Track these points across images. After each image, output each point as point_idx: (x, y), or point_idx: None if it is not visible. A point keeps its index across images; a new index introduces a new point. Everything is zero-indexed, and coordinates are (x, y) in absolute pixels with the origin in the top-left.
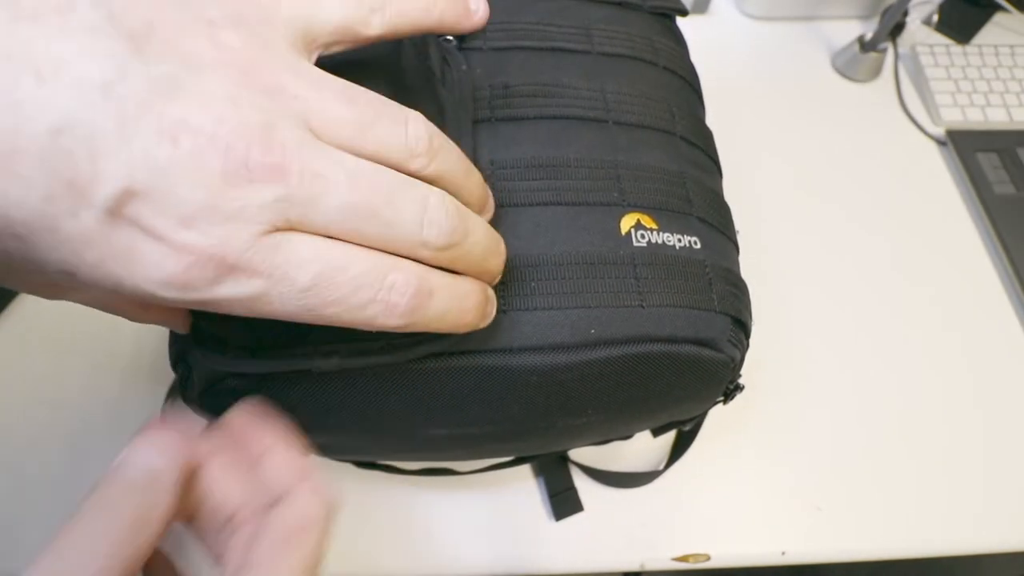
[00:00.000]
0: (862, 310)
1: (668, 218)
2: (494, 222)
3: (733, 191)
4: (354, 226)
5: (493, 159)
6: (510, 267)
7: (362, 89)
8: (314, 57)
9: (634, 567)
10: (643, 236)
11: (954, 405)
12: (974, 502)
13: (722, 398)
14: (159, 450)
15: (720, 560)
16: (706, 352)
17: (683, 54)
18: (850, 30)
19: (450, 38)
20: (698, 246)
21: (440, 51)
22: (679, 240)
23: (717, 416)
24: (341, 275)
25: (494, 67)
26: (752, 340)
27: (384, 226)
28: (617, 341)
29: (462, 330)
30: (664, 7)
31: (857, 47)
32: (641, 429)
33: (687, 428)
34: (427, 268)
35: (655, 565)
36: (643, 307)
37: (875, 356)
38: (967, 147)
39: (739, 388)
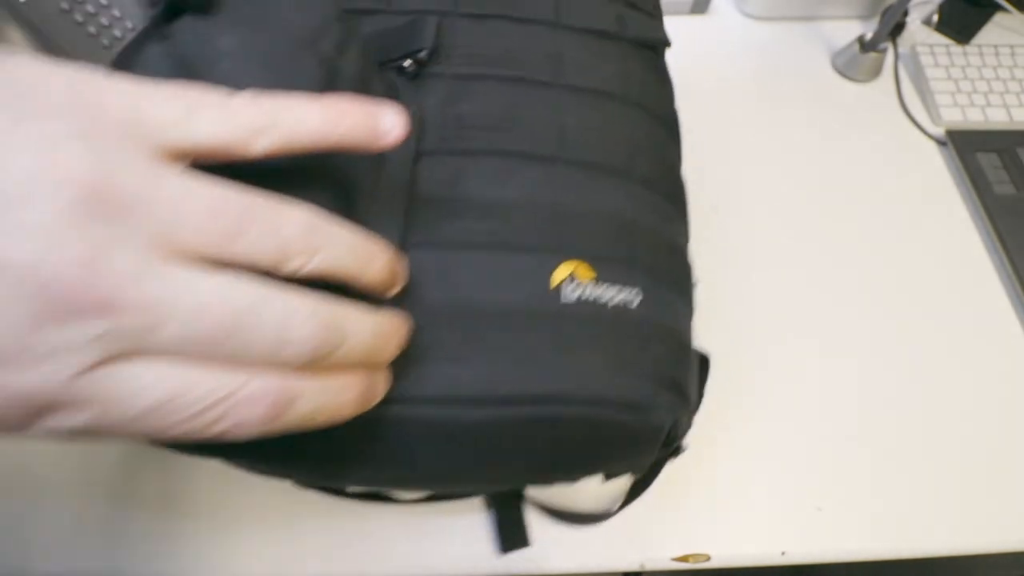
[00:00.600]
0: (861, 310)
1: (608, 269)
2: (425, 264)
3: (733, 191)
4: (200, 351)
5: (434, 196)
6: (427, 312)
7: (234, 192)
8: (183, 164)
9: (634, 567)
10: (576, 288)
11: (954, 405)
12: (974, 502)
13: (659, 463)
14: None
15: (720, 560)
16: (630, 417)
17: (661, 91)
18: (850, 30)
19: (407, 64)
20: (637, 303)
21: (387, 86)
22: (616, 294)
23: (717, 416)
24: (183, 398)
25: (452, 95)
26: (752, 339)
27: (235, 348)
28: (528, 400)
29: (342, 420)
30: (647, 39)
31: (857, 47)
32: (574, 480)
33: (639, 477)
34: (290, 374)
35: (655, 565)
36: (563, 366)
37: (875, 356)
38: (967, 147)
39: (678, 451)
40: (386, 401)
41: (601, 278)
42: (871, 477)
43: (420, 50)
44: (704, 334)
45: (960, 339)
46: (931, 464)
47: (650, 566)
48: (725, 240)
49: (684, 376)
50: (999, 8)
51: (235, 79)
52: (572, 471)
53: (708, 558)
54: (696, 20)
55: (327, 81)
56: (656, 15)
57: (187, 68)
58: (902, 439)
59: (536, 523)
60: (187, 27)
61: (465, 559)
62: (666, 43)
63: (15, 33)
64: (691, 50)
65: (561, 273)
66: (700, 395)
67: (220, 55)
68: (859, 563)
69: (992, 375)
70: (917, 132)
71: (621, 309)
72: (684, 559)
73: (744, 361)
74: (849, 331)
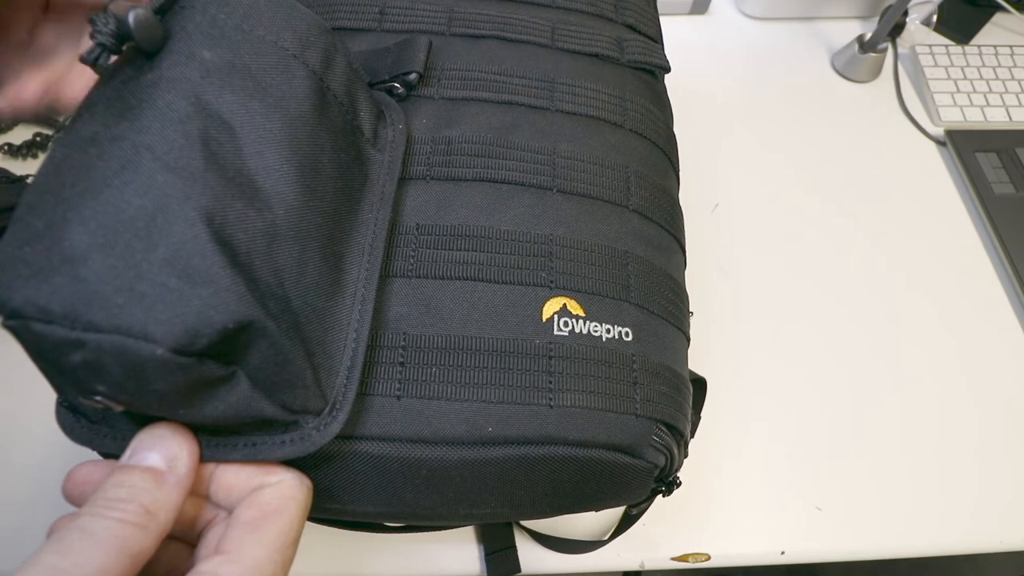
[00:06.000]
0: (861, 310)
1: (599, 304)
2: (408, 296)
3: (733, 191)
4: None
5: (420, 224)
6: (412, 347)
7: None
8: None
9: (634, 567)
10: (566, 324)
11: (953, 405)
12: (972, 502)
13: (652, 496)
14: (178, 440)
15: (720, 560)
16: (621, 458)
17: (659, 116)
18: (850, 30)
19: (397, 85)
20: (629, 338)
21: (375, 106)
22: (607, 331)
23: (717, 416)
24: None
25: (443, 119)
26: (750, 340)
27: None
28: (516, 441)
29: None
30: (645, 63)
31: (857, 47)
32: (561, 514)
33: (632, 505)
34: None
35: (655, 565)
36: (551, 407)
37: (874, 356)
38: (966, 147)
39: (672, 485)
40: (369, 438)
41: (591, 316)
42: (871, 477)
43: (410, 73)
44: (704, 333)
45: (960, 339)
46: (930, 464)
47: (650, 565)
48: (725, 239)
49: (677, 411)
50: (999, 8)
51: (218, 91)
52: (560, 509)
53: (708, 558)
54: (696, 20)
55: (317, 93)
56: (657, 39)
57: (170, 83)
58: (901, 439)
59: (536, 522)
60: (171, 46)
61: (466, 558)
62: (666, 68)
63: None
64: (691, 50)
65: (552, 307)
66: (697, 418)
67: (205, 68)
68: (858, 563)
69: (992, 375)
70: (917, 132)
71: (613, 346)
72: (684, 559)
73: (744, 361)
74: (849, 331)
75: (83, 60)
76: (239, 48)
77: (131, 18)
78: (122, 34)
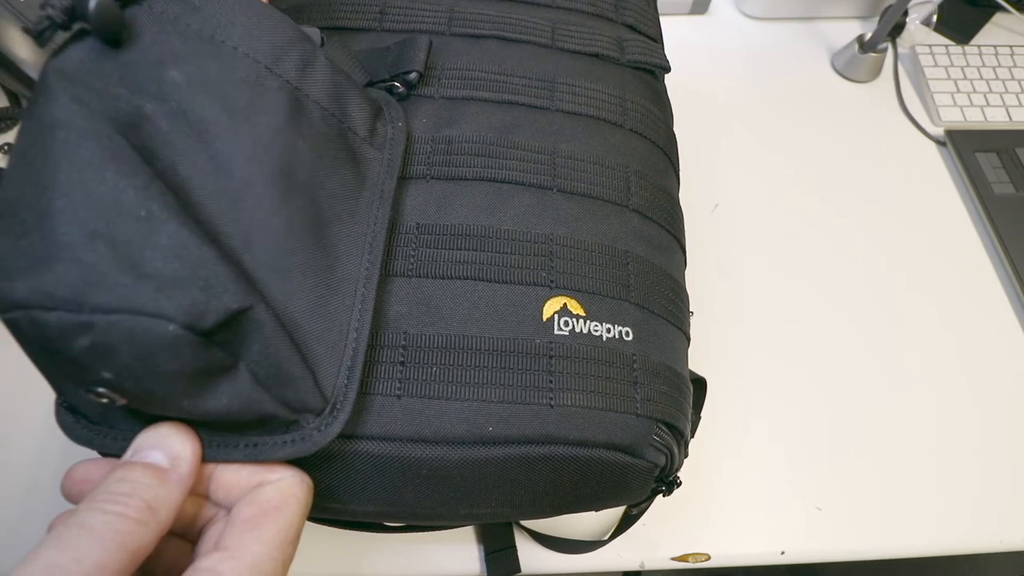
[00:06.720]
0: (861, 310)
1: (599, 304)
2: (408, 295)
3: (733, 191)
4: None
5: (420, 223)
6: (412, 346)
7: None
8: None
9: (634, 567)
10: (566, 324)
11: (953, 405)
12: (972, 502)
13: (652, 496)
14: (180, 439)
15: (720, 560)
16: (621, 457)
17: (659, 116)
18: (850, 30)
19: (397, 85)
20: (629, 338)
21: (372, 105)
22: (608, 330)
23: (717, 416)
24: None
25: (443, 118)
26: (750, 340)
27: None
28: (516, 441)
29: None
30: (645, 63)
31: (857, 47)
32: (561, 514)
33: (632, 504)
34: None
35: (655, 565)
36: (551, 406)
37: (874, 356)
38: (966, 147)
39: (673, 485)
40: (369, 438)
41: (592, 315)
42: (871, 477)
43: (410, 72)
44: (704, 333)
45: (960, 339)
46: (930, 464)
47: (650, 565)
48: (725, 239)
49: (678, 411)
50: (999, 8)
51: (186, 112)
52: (561, 509)
53: (708, 558)
54: (696, 20)
55: (291, 102)
56: (657, 39)
57: (139, 91)
58: (902, 439)
59: (536, 522)
60: (133, 59)
61: (466, 558)
62: (666, 68)
63: (15, 32)
64: (691, 50)
65: (552, 307)
66: (697, 418)
67: (171, 86)
68: (858, 563)
69: (992, 375)
70: (917, 132)
71: (613, 345)
72: (684, 559)
73: (744, 361)
74: (848, 331)
75: (27, 31)
76: (211, 64)
77: (92, 1)
78: (76, 13)
